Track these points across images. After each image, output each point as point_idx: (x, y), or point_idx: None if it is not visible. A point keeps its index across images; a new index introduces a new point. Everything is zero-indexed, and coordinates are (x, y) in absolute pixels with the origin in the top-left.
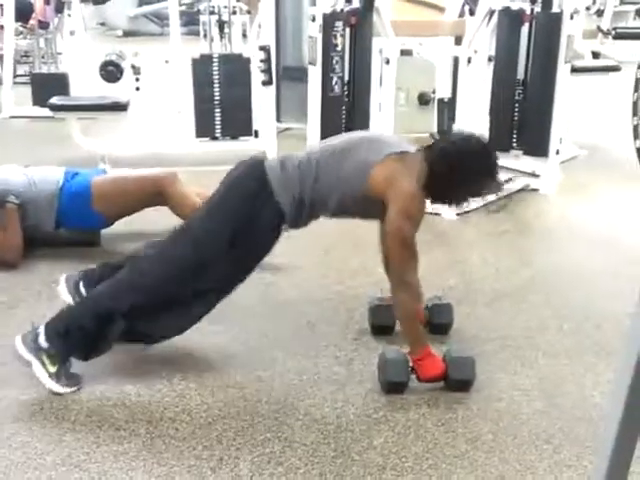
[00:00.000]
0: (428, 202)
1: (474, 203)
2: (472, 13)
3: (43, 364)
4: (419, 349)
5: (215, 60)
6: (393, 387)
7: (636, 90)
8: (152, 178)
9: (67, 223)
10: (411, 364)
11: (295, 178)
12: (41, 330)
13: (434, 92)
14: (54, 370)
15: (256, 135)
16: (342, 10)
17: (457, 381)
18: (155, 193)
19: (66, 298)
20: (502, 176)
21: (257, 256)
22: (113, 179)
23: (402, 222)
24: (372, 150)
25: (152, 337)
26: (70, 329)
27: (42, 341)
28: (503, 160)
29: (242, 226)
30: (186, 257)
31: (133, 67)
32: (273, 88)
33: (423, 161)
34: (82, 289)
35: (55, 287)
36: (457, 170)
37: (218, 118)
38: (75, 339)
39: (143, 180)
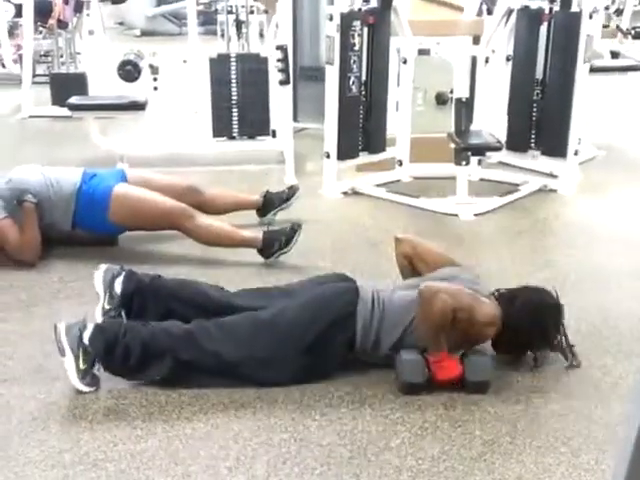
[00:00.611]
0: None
1: (491, 203)
2: (490, 12)
3: (77, 358)
4: (438, 350)
5: (232, 60)
6: (410, 388)
7: None
8: (169, 214)
9: (83, 225)
10: (428, 365)
11: (371, 302)
12: (90, 327)
13: (452, 92)
14: (84, 367)
15: (273, 135)
16: (360, 9)
17: (474, 383)
18: (171, 227)
19: (98, 289)
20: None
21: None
22: (133, 199)
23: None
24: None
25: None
26: (116, 347)
27: (86, 337)
28: (521, 160)
29: (321, 339)
30: (262, 346)
31: (151, 67)
32: (290, 88)
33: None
34: (117, 287)
35: (93, 272)
36: (532, 323)
37: (235, 118)
38: (115, 358)
39: (160, 214)
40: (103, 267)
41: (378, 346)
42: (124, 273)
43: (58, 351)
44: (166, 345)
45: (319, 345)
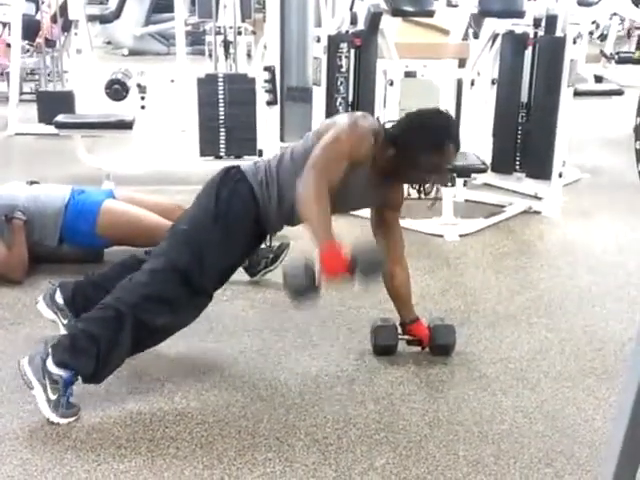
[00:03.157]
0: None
1: (476, 224)
2: (476, 36)
3: (45, 390)
4: (323, 241)
5: (220, 80)
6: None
7: (639, 114)
8: (155, 231)
9: (69, 240)
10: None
11: (261, 166)
12: (50, 351)
13: None
14: (54, 398)
15: (260, 154)
16: (347, 32)
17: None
18: (157, 244)
19: (48, 315)
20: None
21: (239, 232)
22: (121, 213)
23: (320, 152)
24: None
25: (159, 330)
26: (78, 340)
27: (50, 364)
28: (506, 182)
29: (222, 204)
30: (182, 250)
31: (139, 86)
32: (277, 108)
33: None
34: (59, 299)
35: (36, 306)
36: (422, 136)
37: (223, 137)
38: (84, 350)
39: (147, 229)
40: (40, 297)
41: (282, 199)
42: (57, 286)
43: (26, 386)
44: (112, 301)
45: (222, 206)
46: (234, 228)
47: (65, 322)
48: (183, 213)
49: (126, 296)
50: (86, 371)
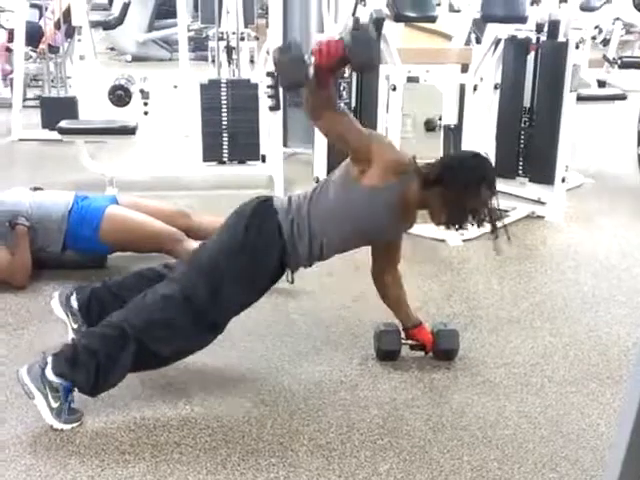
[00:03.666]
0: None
1: (479, 229)
2: (478, 41)
3: (46, 398)
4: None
5: (223, 85)
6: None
7: None
8: (158, 237)
9: (73, 246)
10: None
11: (293, 204)
12: (49, 360)
13: (440, 119)
14: (56, 406)
15: (263, 160)
16: None
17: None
18: (160, 250)
19: (59, 314)
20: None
21: (261, 269)
22: (124, 219)
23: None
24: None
25: (161, 357)
26: (79, 354)
27: (49, 373)
28: (509, 187)
29: (249, 240)
30: (199, 281)
31: (142, 92)
32: (280, 113)
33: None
34: (74, 303)
35: (49, 302)
36: (454, 177)
37: (226, 143)
38: (84, 365)
39: (150, 235)
40: (56, 294)
41: (313, 238)
42: (75, 288)
43: (27, 396)
44: (118, 321)
45: (249, 242)
46: (257, 267)
47: (75, 327)
48: (209, 239)
49: (134, 318)
50: (83, 385)
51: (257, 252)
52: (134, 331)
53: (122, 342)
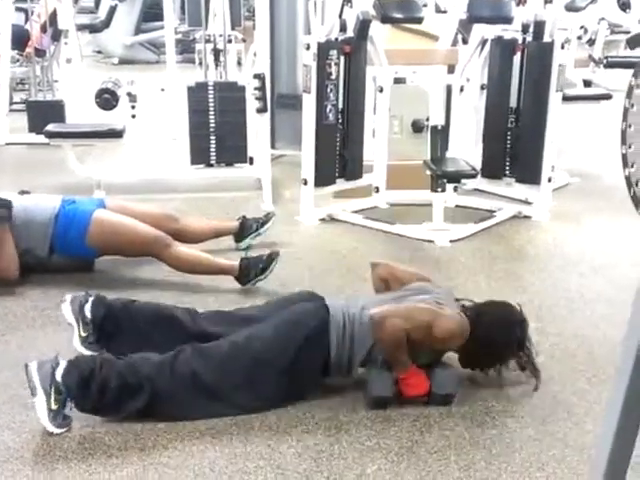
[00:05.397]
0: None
1: (467, 230)
2: (465, 42)
3: (48, 397)
4: (404, 368)
5: (210, 88)
6: (377, 403)
7: (625, 119)
8: (145, 241)
9: (60, 250)
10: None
11: (347, 316)
12: (62, 364)
13: (427, 120)
14: (55, 407)
15: (251, 162)
16: (336, 39)
17: (440, 396)
18: (148, 254)
19: (70, 319)
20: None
21: (306, 379)
22: (112, 223)
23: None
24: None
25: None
26: (93, 381)
27: (58, 374)
28: (496, 187)
29: (297, 359)
30: (239, 369)
31: (129, 95)
32: (268, 115)
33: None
34: (87, 313)
35: (60, 304)
36: (498, 336)
37: (213, 145)
38: (93, 394)
39: (137, 239)
40: (68, 297)
41: (352, 363)
42: (92, 299)
43: (30, 391)
44: (144, 374)
45: (295, 365)
46: (300, 381)
47: (84, 335)
48: (255, 328)
49: (159, 382)
50: (82, 407)
51: (304, 372)
52: (153, 391)
53: (137, 395)
